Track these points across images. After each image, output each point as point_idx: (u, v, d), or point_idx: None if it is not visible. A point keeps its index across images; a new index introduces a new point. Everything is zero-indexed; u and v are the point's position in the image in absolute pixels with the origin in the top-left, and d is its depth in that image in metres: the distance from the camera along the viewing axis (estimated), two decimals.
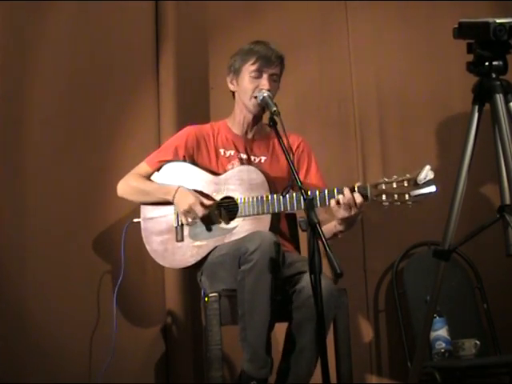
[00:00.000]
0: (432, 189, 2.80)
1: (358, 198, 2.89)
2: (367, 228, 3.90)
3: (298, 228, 3.25)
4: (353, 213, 2.92)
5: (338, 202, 2.92)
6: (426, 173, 2.80)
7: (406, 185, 2.86)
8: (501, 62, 2.50)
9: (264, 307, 2.86)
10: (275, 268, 2.87)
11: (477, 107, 2.54)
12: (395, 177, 2.88)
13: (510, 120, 2.50)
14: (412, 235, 3.82)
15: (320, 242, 2.49)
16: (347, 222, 3.00)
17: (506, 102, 2.50)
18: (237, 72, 3.22)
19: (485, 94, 2.52)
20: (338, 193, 2.92)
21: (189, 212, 3.10)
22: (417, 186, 2.83)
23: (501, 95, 2.49)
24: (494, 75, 2.51)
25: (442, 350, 3.56)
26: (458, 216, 2.55)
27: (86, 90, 3.64)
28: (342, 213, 2.92)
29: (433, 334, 3.55)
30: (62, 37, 3.59)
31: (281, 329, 3.05)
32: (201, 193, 3.15)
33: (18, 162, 3.45)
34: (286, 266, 2.98)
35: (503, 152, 2.49)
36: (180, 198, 3.13)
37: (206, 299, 3.05)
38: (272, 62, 3.16)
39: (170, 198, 3.16)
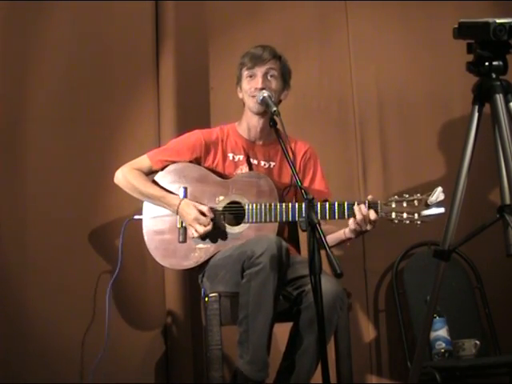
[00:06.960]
0: (441, 210, 2.88)
1: (373, 215, 2.94)
2: None
3: (298, 229, 3.25)
4: (367, 228, 2.97)
5: (354, 217, 2.96)
6: (438, 194, 2.86)
7: (416, 204, 2.94)
8: (501, 62, 2.49)
9: (268, 310, 2.86)
10: (281, 272, 2.88)
11: (477, 107, 2.53)
12: (406, 196, 2.95)
13: (510, 120, 2.49)
14: (412, 235, 3.80)
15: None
16: (358, 233, 3.03)
17: (506, 102, 2.49)
18: (239, 79, 3.24)
19: (485, 94, 2.51)
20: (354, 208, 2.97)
21: (192, 226, 3.10)
22: (427, 206, 2.88)
23: (501, 95, 2.48)
24: (494, 75, 2.50)
25: (442, 350, 3.56)
26: (458, 216, 2.55)
27: (85, 90, 3.64)
28: (355, 227, 2.97)
29: (433, 334, 3.55)
30: (62, 37, 3.60)
31: (280, 329, 3.04)
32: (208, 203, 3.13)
33: (18, 161, 3.46)
34: (289, 268, 2.97)
35: (503, 152, 2.48)
36: (183, 213, 3.12)
37: (206, 299, 3.05)
38: (263, 59, 3.17)
39: (172, 210, 3.15)
